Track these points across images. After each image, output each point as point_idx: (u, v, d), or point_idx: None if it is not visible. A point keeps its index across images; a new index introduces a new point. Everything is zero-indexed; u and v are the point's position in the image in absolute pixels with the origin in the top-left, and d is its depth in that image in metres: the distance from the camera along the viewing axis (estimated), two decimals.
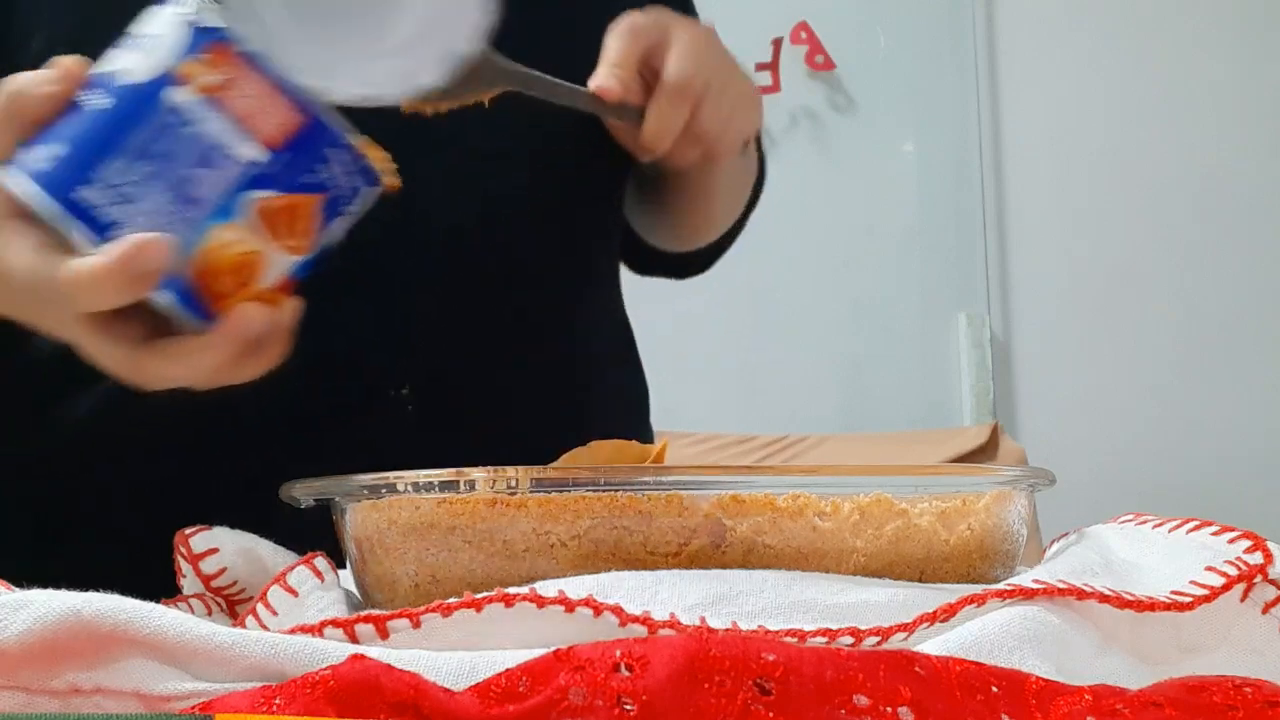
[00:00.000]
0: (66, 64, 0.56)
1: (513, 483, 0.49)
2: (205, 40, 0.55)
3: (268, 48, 0.55)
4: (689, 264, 1.03)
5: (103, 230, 0.54)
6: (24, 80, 0.57)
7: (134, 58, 0.55)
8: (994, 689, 0.39)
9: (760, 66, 2.56)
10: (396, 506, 0.51)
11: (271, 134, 0.55)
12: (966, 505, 0.52)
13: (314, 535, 0.58)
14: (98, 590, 0.41)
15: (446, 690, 0.37)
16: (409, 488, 0.51)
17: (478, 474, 0.50)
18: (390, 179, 0.60)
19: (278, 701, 0.37)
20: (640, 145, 0.76)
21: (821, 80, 2.59)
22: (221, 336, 0.56)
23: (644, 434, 0.94)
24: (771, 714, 0.37)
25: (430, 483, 0.50)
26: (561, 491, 0.49)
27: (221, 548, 0.57)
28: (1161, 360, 2.58)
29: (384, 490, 0.52)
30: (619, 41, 0.74)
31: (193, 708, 0.39)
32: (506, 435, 0.81)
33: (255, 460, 0.75)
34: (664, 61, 0.74)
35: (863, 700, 0.37)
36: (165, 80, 0.54)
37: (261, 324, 0.57)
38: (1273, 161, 2.61)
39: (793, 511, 0.49)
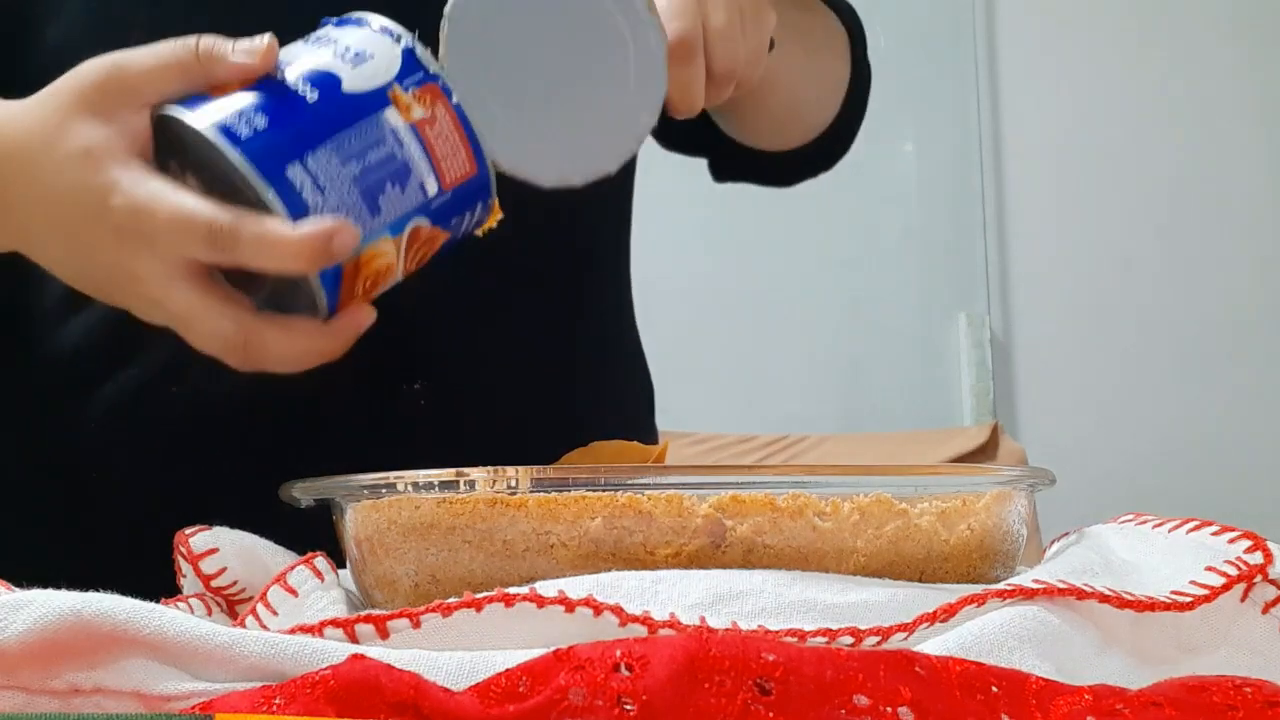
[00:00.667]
0: (268, 42, 0.59)
1: (513, 483, 0.49)
2: (422, 78, 0.60)
3: (470, 103, 0.61)
4: (807, 161, 0.94)
5: (297, 210, 0.57)
6: (216, 42, 0.58)
7: (344, 67, 0.60)
8: (994, 689, 0.39)
9: None
10: (396, 506, 0.51)
11: (450, 175, 0.61)
12: (966, 505, 0.52)
13: (314, 535, 0.58)
14: (98, 590, 0.41)
15: (446, 690, 0.37)
16: (409, 488, 0.51)
17: (478, 474, 0.50)
18: (479, 232, 0.65)
19: (278, 701, 0.37)
20: (671, 112, 0.71)
21: None
22: (340, 328, 0.59)
23: (649, 432, 0.94)
24: (771, 714, 0.37)
25: (430, 483, 0.50)
26: (561, 491, 0.49)
27: (221, 548, 0.57)
28: (1162, 360, 2.58)
29: (384, 490, 0.52)
30: None
31: (193, 708, 0.39)
32: (514, 432, 0.81)
33: (267, 458, 0.75)
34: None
35: (863, 700, 0.37)
36: (382, 98, 0.59)
37: (366, 327, 0.60)
38: (1273, 161, 2.61)
39: (793, 511, 0.49)
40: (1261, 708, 0.38)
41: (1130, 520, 0.58)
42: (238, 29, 0.62)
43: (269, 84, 0.59)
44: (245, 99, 0.58)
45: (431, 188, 0.60)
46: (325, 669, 0.38)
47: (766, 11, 0.74)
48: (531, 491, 0.49)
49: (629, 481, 0.49)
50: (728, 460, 2.11)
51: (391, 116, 0.59)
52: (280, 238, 0.55)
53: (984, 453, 2.14)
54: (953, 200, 2.60)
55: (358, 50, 0.60)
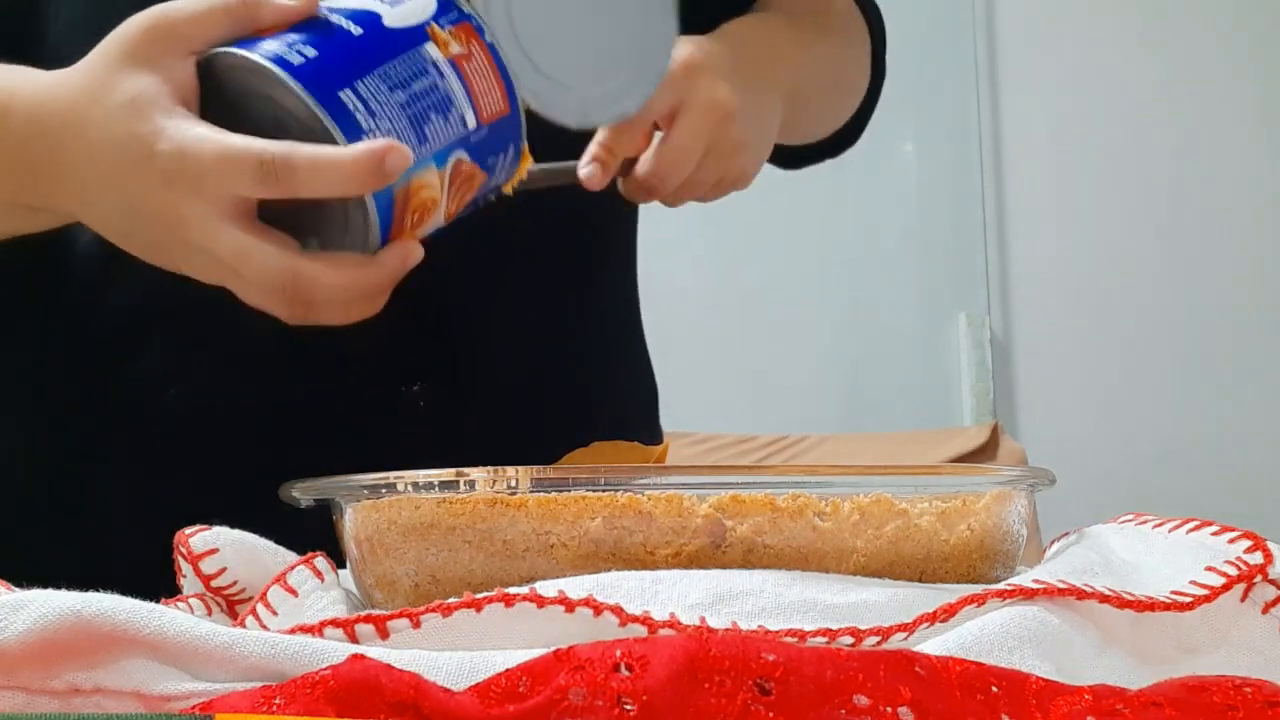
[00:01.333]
0: None
1: (513, 483, 0.49)
2: (458, 16, 0.63)
3: (503, 43, 0.64)
4: (814, 151, 0.97)
5: (352, 133, 0.58)
6: None
7: (385, 5, 0.62)
8: (994, 689, 0.39)
9: None
10: (396, 506, 0.51)
11: (487, 111, 0.62)
12: (966, 505, 0.52)
13: (314, 535, 0.58)
14: (98, 590, 0.41)
15: (446, 690, 0.37)
16: (409, 488, 0.51)
17: (478, 474, 0.50)
18: (511, 186, 0.66)
19: (278, 701, 0.37)
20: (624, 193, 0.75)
21: None
22: (389, 259, 0.59)
23: (653, 432, 0.94)
24: (771, 714, 0.37)
25: (430, 483, 0.50)
26: (561, 491, 0.49)
27: (221, 548, 0.57)
28: (1161, 360, 2.58)
29: (384, 490, 0.52)
30: (615, 133, 0.72)
31: (193, 708, 0.39)
32: (518, 430, 0.80)
33: (266, 458, 0.75)
34: (669, 131, 0.72)
35: (863, 700, 0.37)
36: (422, 34, 0.61)
37: (413, 264, 0.60)
38: (1273, 162, 2.61)
39: (793, 511, 0.49)
40: (1261, 708, 0.38)
41: (1130, 520, 0.58)
42: None
43: (313, 22, 0.61)
44: (292, 35, 0.60)
45: (471, 120, 0.62)
46: (325, 669, 0.38)
47: (748, 178, 0.78)
48: (531, 491, 0.49)
49: (629, 481, 0.49)
50: (728, 460, 2.11)
51: (431, 50, 0.61)
52: (336, 159, 0.56)
53: (984, 453, 2.14)
54: (953, 200, 2.60)
55: None
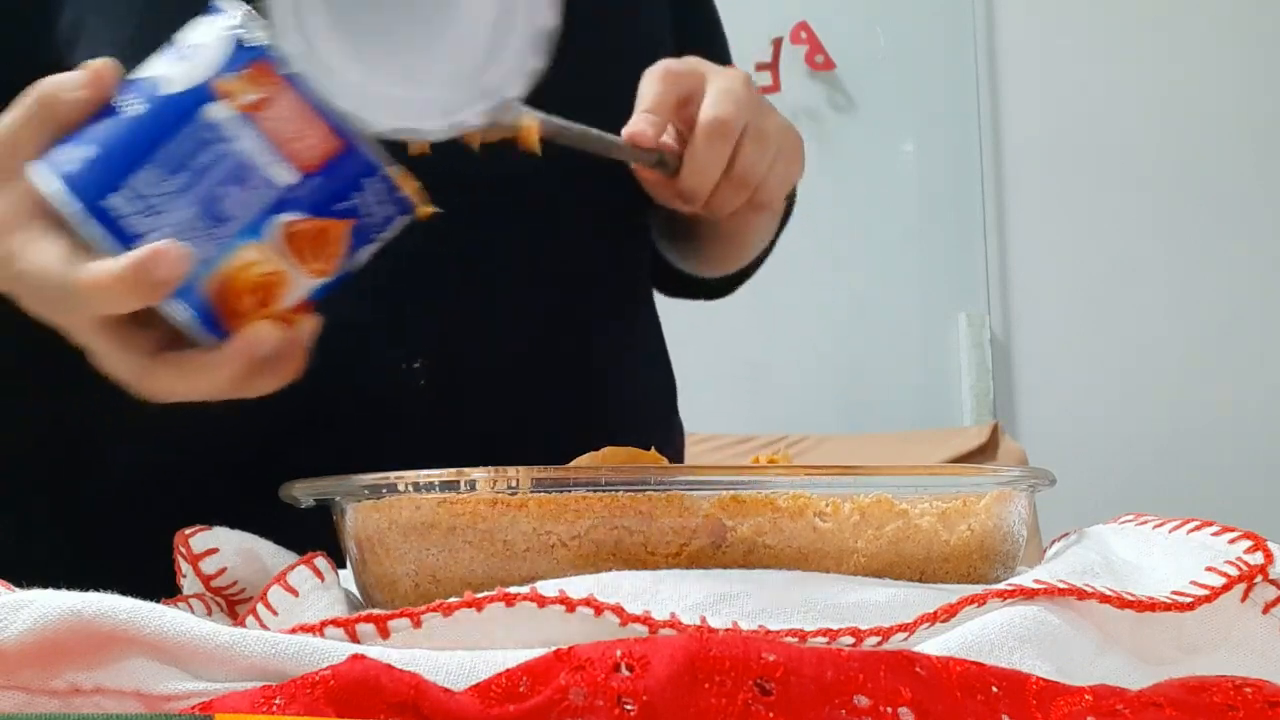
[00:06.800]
0: (98, 67, 0.56)
1: (513, 483, 0.49)
2: (248, 57, 0.55)
3: (311, 72, 0.55)
4: (714, 287, 1.06)
5: (127, 240, 0.54)
6: (55, 82, 0.56)
7: (174, 66, 0.55)
8: (994, 689, 0.39)
9: (760, 66, 2.56)
10: (396, 506, 0.51)
11: (306, 158, 0.55)
12: (967, 505, 0.52)
13: (314, 535, 0.57)
14: (98, 590, 0.41)
15: (446, 690, 0.37)
16: (409, 488, 0.51)
17: (478, 474, 0.50)
18: (424, 208, 0.60)
19: (278, 701, 0.37)
20: (680, 193, 0.74)
21: (821, 80, 2.59)
22: (231, 354, 0.56)
23: (671, 427, 0.93)
24: (772, 714, 0.37)
25: (430, 483, 0.50)
26: (562, 491, 0.49)
27: (221, 548, 0.57)
28: (1162, 360, 2.58)
29: (384, 490, 0.52)
30: (653, 86, 0.72)
31: (193, 708, 0.39)
32: (522, 412, 0.80)
33: (264, 438, 0.75)
34: (699, 106, 0.72)
35: (863, 700, 0.37)
36: (204, 93, 0.55)
37: (273, 344, 0.57)
38: (1272, 160, 2.61)
39: (793, 511, 0.49)
40: (1261, 708, 0.38)
41: (1130, 521, 0.58)
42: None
43: (104, 111, 0.55)
44: (82, 133, 0.55)
45: (285, 176, 0.55)
46: (325, 669, 0.38)
47: (799, 156, 0.79)
48: (532, 491, 0.49)
49: (629, 481, 0.49)
50: (728, 460, 2.11)
51: (216, 110, 0.54)
52: (100, 278, 0.54)
53: (984, 453, 2.14)
54: (953, 200, 2.60)
55: (192, 44, 0.56)
